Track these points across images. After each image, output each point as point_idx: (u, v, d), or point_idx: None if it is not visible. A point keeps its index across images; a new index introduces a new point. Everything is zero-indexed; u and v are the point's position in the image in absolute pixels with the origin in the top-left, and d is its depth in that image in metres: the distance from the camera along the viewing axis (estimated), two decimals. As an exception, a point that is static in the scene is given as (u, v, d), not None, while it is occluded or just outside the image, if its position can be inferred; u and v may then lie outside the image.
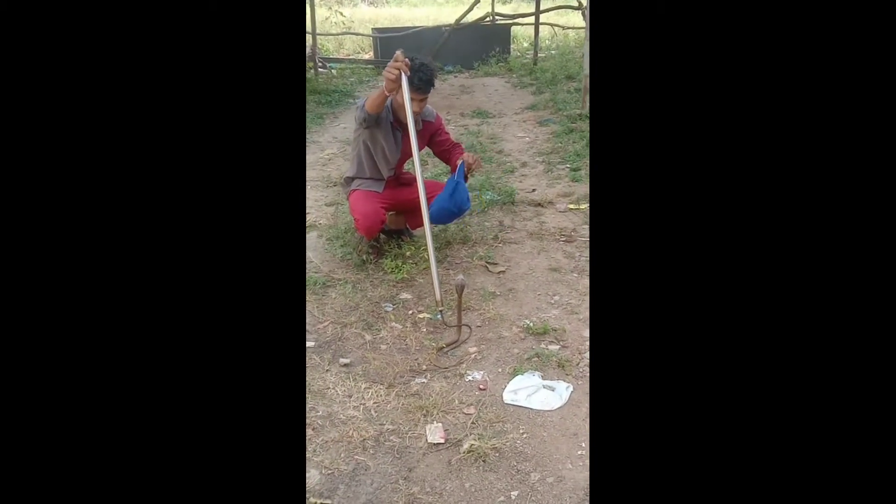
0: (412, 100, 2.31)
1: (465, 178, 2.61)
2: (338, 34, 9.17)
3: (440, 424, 1.73)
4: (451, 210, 2.59)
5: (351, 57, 9.16)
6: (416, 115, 2.45)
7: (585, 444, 1.66)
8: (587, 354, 2.05)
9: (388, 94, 2.32)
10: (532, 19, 8.43)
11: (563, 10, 9.49)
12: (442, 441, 1.67)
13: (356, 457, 1.63)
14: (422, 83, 2.39)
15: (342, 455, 1.64)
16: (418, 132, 2.56)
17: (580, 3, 7.93)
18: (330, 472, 1.58)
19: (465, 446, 1.64)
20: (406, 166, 2.85)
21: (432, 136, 2.73)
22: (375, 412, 1.80)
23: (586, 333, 2.18)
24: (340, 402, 1.85)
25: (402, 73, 2.24)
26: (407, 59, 2.26)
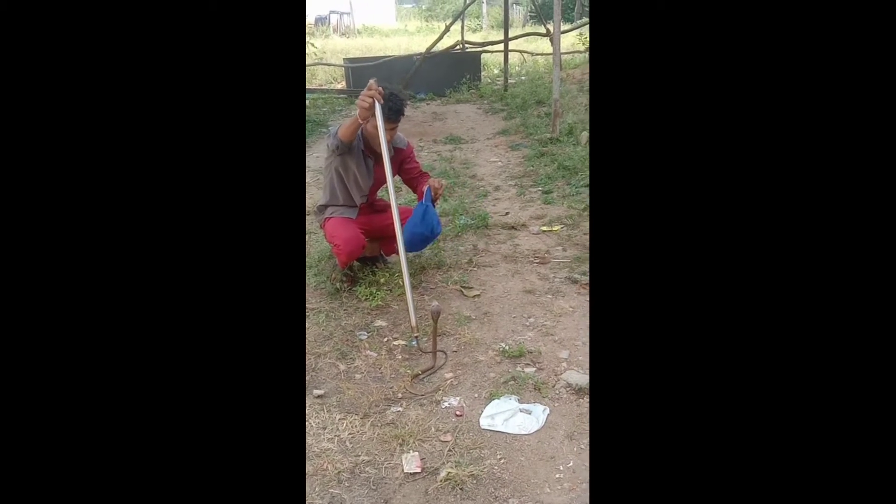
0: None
1: (433, 203, 2.61)
2: (310, 65, 9.23)
3: (416, 453, 1.70)
4: (423, 234, 2.58)
5: (323, 87, 9.22)
6: (388, 142, 2.46)
7: (563, 468, 1.65)
8: (563, 376, 2.04)
9: (361, 122, 2.34)
10: (501, 46, 8.60)
11: (532, 37, 9.72)
12: (419, 470, 1.64)
13: (331, 490, 1.59)
14: (391, 112, 2.41)
15: (317, 489, 1.59)
16: (391, 158, 2.57)
17: (548, 31, 8.13)
18: (304, 507, 1.54)
19: (443, 474, 1.61)
20: (380, 193, 2.85)
21: (402, 163, 2.74)
22: (350, 443, 1.77)
23: (562, 355, 2.18)
24: (314, 434, 1.81)
25: (376, 102, 2.26)
26: (380, 88, 2.28)
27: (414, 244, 2.64)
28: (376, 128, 2.31)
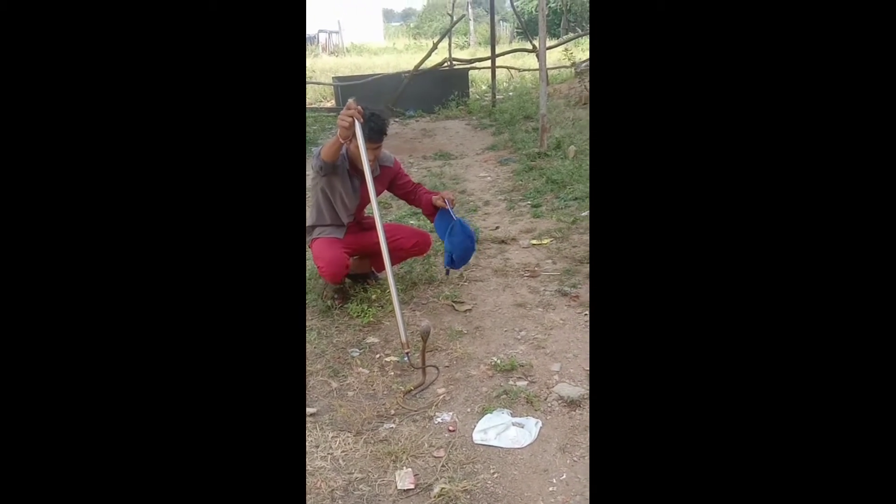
0: (366, 149, 2.34)
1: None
2: (299, 84, 9.27)
3: (410, 470, 1.70)
4: (470, 247, 2.70)
5: (313, 106, 9.26)
6: (372, 162, 2.48)
7: (556, 480, 1.65)
8: (555, 389, 2.05)
9: (342, 142, 2.35)
10: (489, 63, 8.70)
11: (519, 53, 9.84)
12: (412, 487, 1.64)
13: (324, 509, 1.59)
14: (373, 132, 2.43)
15: (310, 508, 1.59)
16: (377, 178, 2.59)
17: (534, 47, 8.23)
18: (297, 527, 1.53)
19: (436, 490, 1.61)
20: (367, 211, 2.87)
21: (392, 181, 2.76)
22: (343, 461, 1.76)
23: (553, 368, 2.19)
24: (308, 453, 1.80)
25: (356, 121, 2.27)
26: (360, 107, 2.29)
27: (466, 257, 2.74)
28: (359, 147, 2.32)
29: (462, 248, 2.65)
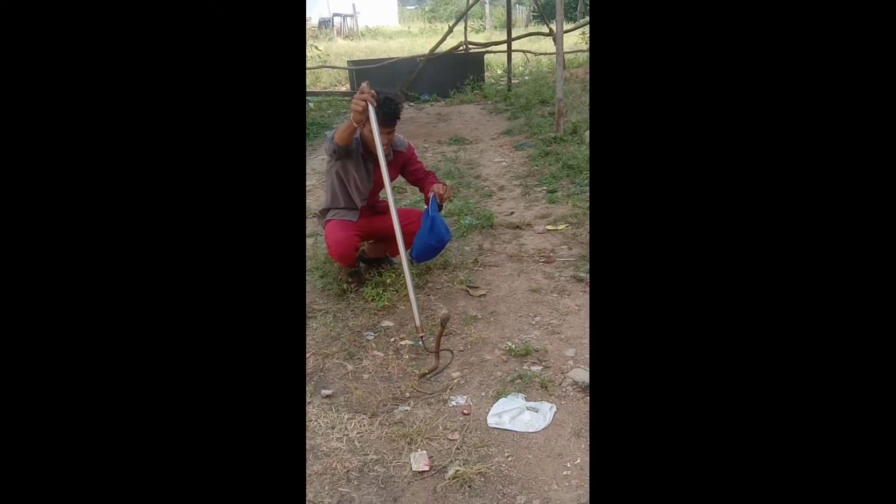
0: (379, 133, 2.33)
1: (440, 209, 2.62)
2: (315, 68, 9.27)
3: (424, 452, 1.72)
4: (432, 245, 2.61)
5: (328, 90, 9.25)
6: (386, 146, 2.47)
7: (570, 465, 1.66)
8: (569, 374, 2.05)
9: (356, 126, 2.34)
10: (504, 47, 8.61)
11: (535, 36, 9.73)
12: (427, 468, 1.66)
13: (340, 489, 1.61)
14: (387, 117, 2.41)
15: (326, 488, 1.61)
16: (390, 162, 2.58)
17: (551, 30, 8.13)
18: (314, 506, 1.55)
19: (451, 472, 1.63)
20: (382, 195, 2.87)
21: (405, 166, 2.75)
22: (359, 442, 1.78)
23: (568, 353, 2.19)
24: (323, 434, 1.82)
25: (369, 105, 2.26)
26: (373, 91, 2.28)
27: (425, 255, 2.68)
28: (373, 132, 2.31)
29: (422, 245, 2.56)
